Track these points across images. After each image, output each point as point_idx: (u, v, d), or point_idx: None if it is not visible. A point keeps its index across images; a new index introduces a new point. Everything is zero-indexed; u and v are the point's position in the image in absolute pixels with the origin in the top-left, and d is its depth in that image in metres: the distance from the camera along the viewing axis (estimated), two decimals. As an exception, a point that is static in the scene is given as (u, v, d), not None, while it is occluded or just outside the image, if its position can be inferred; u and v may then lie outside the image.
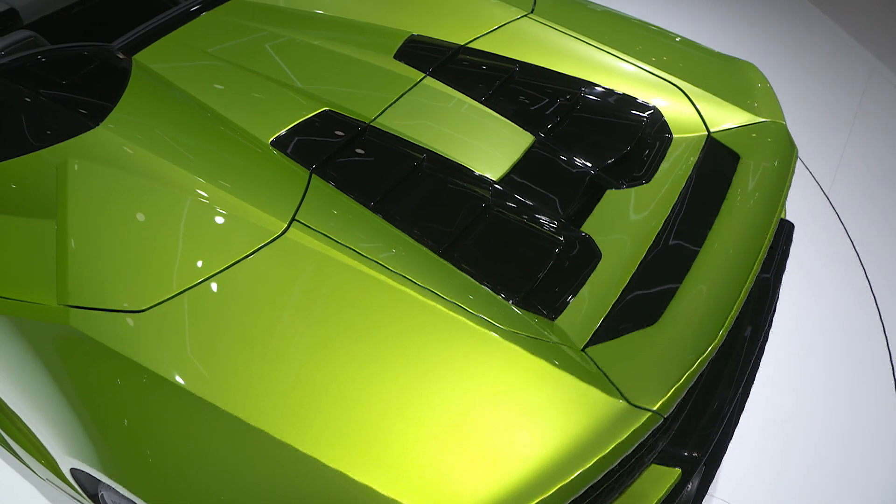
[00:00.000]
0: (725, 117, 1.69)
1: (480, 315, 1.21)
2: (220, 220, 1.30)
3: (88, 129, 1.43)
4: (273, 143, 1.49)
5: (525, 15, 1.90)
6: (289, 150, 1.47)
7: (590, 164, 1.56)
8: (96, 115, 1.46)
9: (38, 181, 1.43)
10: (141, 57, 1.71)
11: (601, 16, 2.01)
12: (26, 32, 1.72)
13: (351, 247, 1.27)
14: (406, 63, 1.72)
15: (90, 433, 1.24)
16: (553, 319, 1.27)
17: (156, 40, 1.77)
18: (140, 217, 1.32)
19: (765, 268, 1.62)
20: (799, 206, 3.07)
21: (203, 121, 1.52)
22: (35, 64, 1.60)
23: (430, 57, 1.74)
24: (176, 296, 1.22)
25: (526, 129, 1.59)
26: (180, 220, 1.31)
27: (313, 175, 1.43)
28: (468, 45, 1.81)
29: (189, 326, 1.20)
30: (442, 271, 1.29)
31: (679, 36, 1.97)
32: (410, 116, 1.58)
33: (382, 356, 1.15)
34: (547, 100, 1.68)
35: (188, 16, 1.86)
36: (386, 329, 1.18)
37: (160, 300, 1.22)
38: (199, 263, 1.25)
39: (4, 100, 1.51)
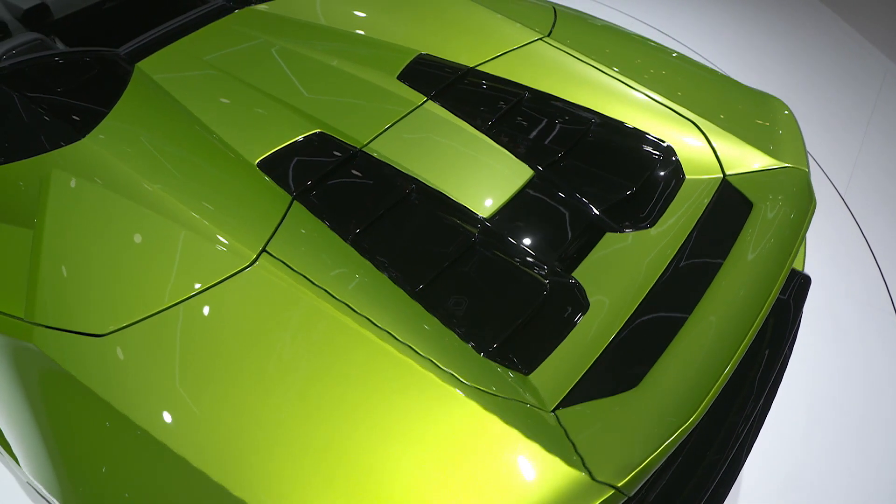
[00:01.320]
0: (744, 160, 1.58)
1: (445, 368, 1.14)
2: (190, 246, 1.27)
3: (74, 141, 1.42)
4: (260, 165, 1.45)
5: (541, 38, 1.81)
6: (274, 173, 1.43)
7: (591, 204, 1.47)
8: (85, 126, 1.44)
9: (23, 190, 1.42)
10: (144, 64, 1.69)
11: (622, 40, 1.91)
12: (33, 35, 1.73)
13: (319, 283, 1.22)
14: (409, 84, 1.65)
15: (44, 455, 1.22)
16: (526, 374, 1.20)
17: (162, 47, 1.75)
18: (112, 237, 1.30)
19: (774, 328, 1.50)
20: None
21: (191, 137, 1.49)
22: (35, 68, 1.60)
23: (435, 79, 1.68)
24: (136, 323, 1.19)
25: (526, 163, 1.51)
26: (151, 243, 1.28)
27: (295, 201, 1.38)
28: (478, 68, 1.73)
29: (146, 356, 1.16)
30: (412, 315, 1.22)
31: (704, 67, 1.86)
32: (405, 143, 1.52)
33: (335, 407, 1.09)
34: (553, 131, 1.60)
35: (199, 23, 1.84)
36: (342, 377, 1.12)
37: (121, 326, 1.19)
38: (164, 291, 1.22)
39: None
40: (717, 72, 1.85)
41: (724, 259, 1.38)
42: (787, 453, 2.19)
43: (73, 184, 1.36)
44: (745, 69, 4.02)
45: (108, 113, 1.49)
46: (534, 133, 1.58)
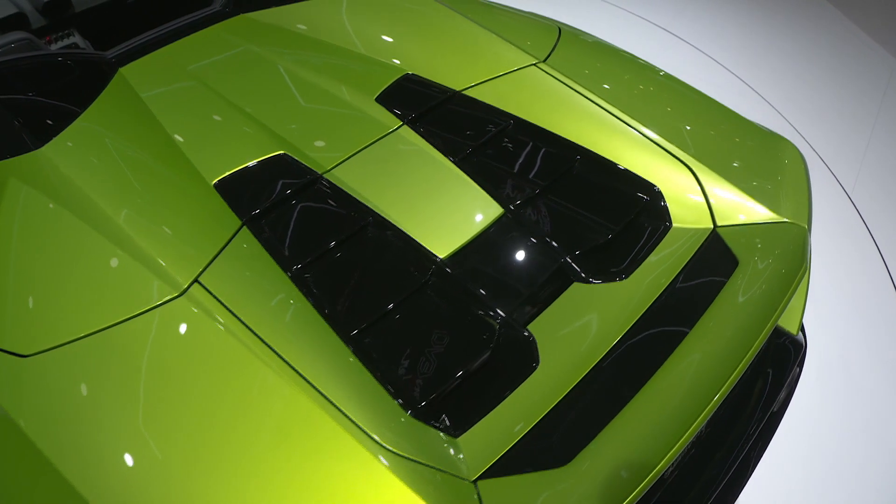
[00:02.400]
0: (738, 210, 1.44)
1: (363, 426, 1.06)
2: (125, 271, 1.22)
3: (35, 149, 1.40)
4: (217, 185, 1.40)
5: (536, 63, 1.70)
6: (229, 195, 1.38)
7: (563, 249, 1.36)
8: (49, 132, 1.42)
9: None
10: (127, 70, 1.67)
11: (625, 69, 1.78)
12: (20, 35, 1.72)
13: (245, 321, 1.16)
14: (387, 106, 1.57)
15: None
16: (455, 436, 1.11)
17: (149, 52, 1.72)
18: (52, 254, 1.26)
19: (750, 402, 1.37)
20: (822, 207, 3.09)
21: (154, 152, 1.45)
22: (13, 69, 1.59)
23: (416, 102, 1.59)
24: (58, 347, 1.15)
25: (498, 199, 1.41)
26: (88, 265, 1.24)
27: (244, 228, 1.33)
28: (464, 92, 1.64)
29: (63, 383, 1.13)
30: (340, 363, 1.15)
31: (712, 101, 1.72)
32: (370, 171, 1.44)
33: (236, 460, 1.03)
34: (533, 165, 1.50)
35: (192, 28, 1.80)
36: (251, 428, 1.06)
37: (45, 348, 1.16)
38: (91, 316, 1.18)
39: None
40: (725, 108, 1.71)
41: (698, 320, 1.26)
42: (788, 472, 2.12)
43: (23, 195, 1.34)
44: (750, 67, 4.01)
45: (74, 120, 1.46)
46: (511, 167, 1.49)
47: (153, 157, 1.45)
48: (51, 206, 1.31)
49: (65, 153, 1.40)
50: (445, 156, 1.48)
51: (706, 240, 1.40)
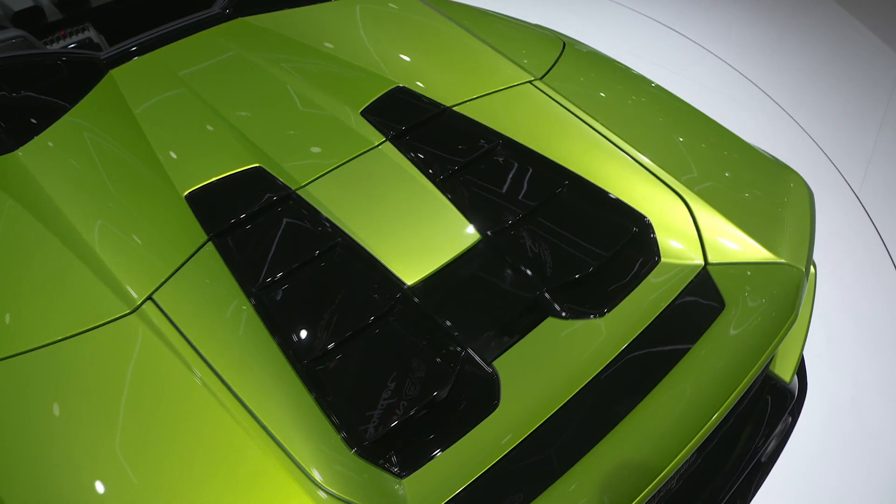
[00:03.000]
0: (732, 248, 1.35)
1: (300, 463, 1.02)
2: (82, 283, 1.20)
3: (11, 150, 1.39)
4: (188, 197, 1.36)
5: (532, 80, 1.63)
6: (198, 208, 1.34)
7: (540, 280, 1.29)
8: (28, 133, 1.41)
9: None
10: (118, 72, 1.65)
11: (628, 88, 1.69)
12: (15, 32, 1.71)
13: (194, 344, 1.12)
14: (371, 120, 1.52)
15: None
16: (402, 477, 1.06)
17: (144, 54, 1.70)
18: (14, 260, 1.25)
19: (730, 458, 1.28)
20: (830, 206, 3.09)
21: (131, 160, 1.43)
22: (3, 68, 1.58)
23: (403, 117, 1.54)
24: (7, 358, 1.13)
25: (476, 224, 1.35)
26: (48, 275, 1.22)
27: (209, 243, 1.29)
28: (455, 107, 1.58)
29: (8, 395, 1.11)
30: (288, 394, 1.10)
31: (718, 126, 1.62)
32: (345, 189, 1.39)
33: (168, 486, 0.99)
34: (518, 189, 1.43)
35: (190, 30, 1.78)
36: (186, 456, 1.02)
37: None
38: (43, 328, 1.15)
39: None
40: (731, 134, 1.61)
41: (673, 367, 1.18)
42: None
43: None
44: (757, 67, 3.97)
45: (56, 121, 1.45)
46: (494, 190, 1.42)
47: (129, 164, 1.42)
48: (16, 210, 1.29)
49: (40, 155, 1.39)
50: (426, 176, 1.42)
51: (695, 277, 1.32)
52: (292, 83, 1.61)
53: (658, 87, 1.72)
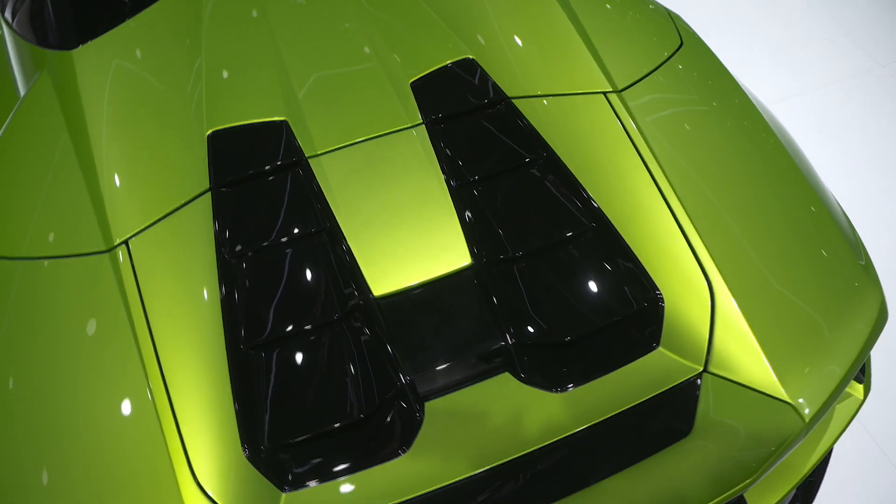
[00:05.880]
0: (740, 363, 1.16)
1: (187, 448, 1.05)
2: (77, 207, 1.27)
3: (71, 48, 1.44)
4: (210, 136, 1.37)
5: (608, 92, 1.42)
6: (214, 152, 1.35)
7: (514, 331, 1.19)
8: (89, 33, 1.45)
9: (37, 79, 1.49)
10: None
11: (718, 123, 1.41)
12: None
13: (144, 302, 1.16)
14: (417, 96, 1.41)
15: None
16: (283, 491, 1.08)
17: None
18: (31, 166, 1.33)
19: None
20: None
21: (171, 77, 1.44)
22: None
23: (453, 98, 1.41)
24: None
25: (472, 248, 1.25)
26: (49, 185, 1.30)
27: (209, 193, 1.30)
28: (514, 99, 1.42)
29: None
30: (210, 379, 1.12)
31: (823, 207, 1.33)
32: (357, 170, 1.33)
33: (59, 430, 1.08)
34: (535, 221, 1.29)
35: None
36: (87, 404, 1.09)
37: None
38: (25, 240, 1.24)
39: None
40: (831, 220, 1.32)
41: (601, 479, 1.08)
42: None
43: (42, 94, 1.40)
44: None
45: (121, 23, 1.48)
46: (509, 213, 1.29)
47: (171, 83, 1.44)
48: (53, 113, 1.37)
49: (91, 60, 1.43)
50: (445, 176, 1.32)
51: (683, 382, 1.16)
52: (364, 31, 1.51)
53: (766, 129, 1.43)
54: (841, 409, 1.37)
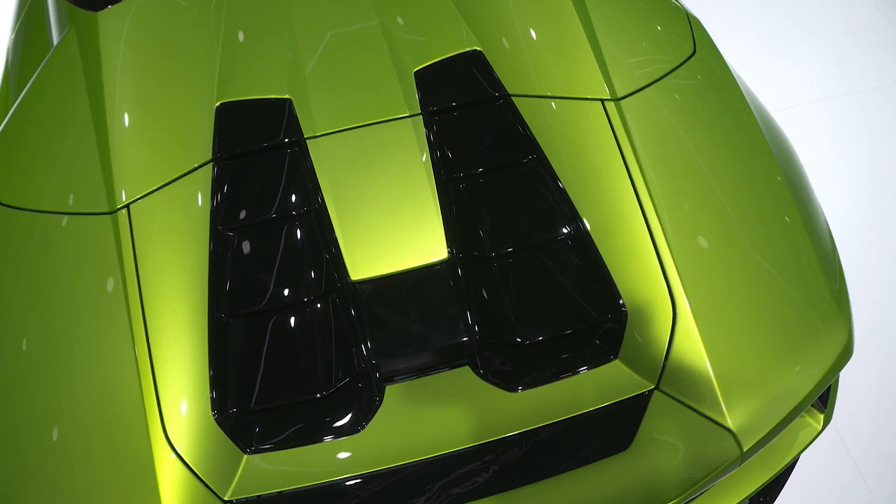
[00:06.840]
0: (690, 385, 1.20)
1: (161, 405, 1.15)
2: (86, 166, 1.35)
3: (94, 9, 1.51)
4: (218, 108, 1.43)
5: (605, 99, 1.42)
6: (220, 124, 1.41)
7: (481, 329, 1.25)
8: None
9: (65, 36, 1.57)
10: None
11: (714, 140, 1.40)
12: None
13: (139, 266, 1.25)
14: (419, 85, 1.44)
15: None
16: (245, 453, 1.17)
17: None
18: (55, 123, 1.42)
19: None
20: None
21: (188, 44, 1.50)
22: None
23: (455, 90, 1.44)
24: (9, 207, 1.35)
25: (451, 244, 1.30)
26: (65, 143, 1.38)
27: (210, 163, 1.37)
28: (514, 97, 1.44)
29: None
30: (190, 344, 1.20)
31: (806, 242, 1.33)
32: (351, 156, 1.38)
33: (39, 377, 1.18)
34: (516, 222, 1.32)
35: None
36: (66, 362, 1.19)
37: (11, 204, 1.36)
38: (41, 195, 1.34)
39: None
40: (809, 248, 1.32)
41: (535, 481, 1.14)
42: None
43: (68, 50, 1.48)
44: None
45: None
46: (491, 212, 1.33)
47: (187, 50, 1.50)
48: (75, 72, 1.45)
49: (114, 23, 1.50)
50: (435, 169, 1.36)
51: (633, 397, 1.21)
52: (378, 11, 1.54)
53: (763, 146, 1.42)
54: (795, 438, 1.40)
